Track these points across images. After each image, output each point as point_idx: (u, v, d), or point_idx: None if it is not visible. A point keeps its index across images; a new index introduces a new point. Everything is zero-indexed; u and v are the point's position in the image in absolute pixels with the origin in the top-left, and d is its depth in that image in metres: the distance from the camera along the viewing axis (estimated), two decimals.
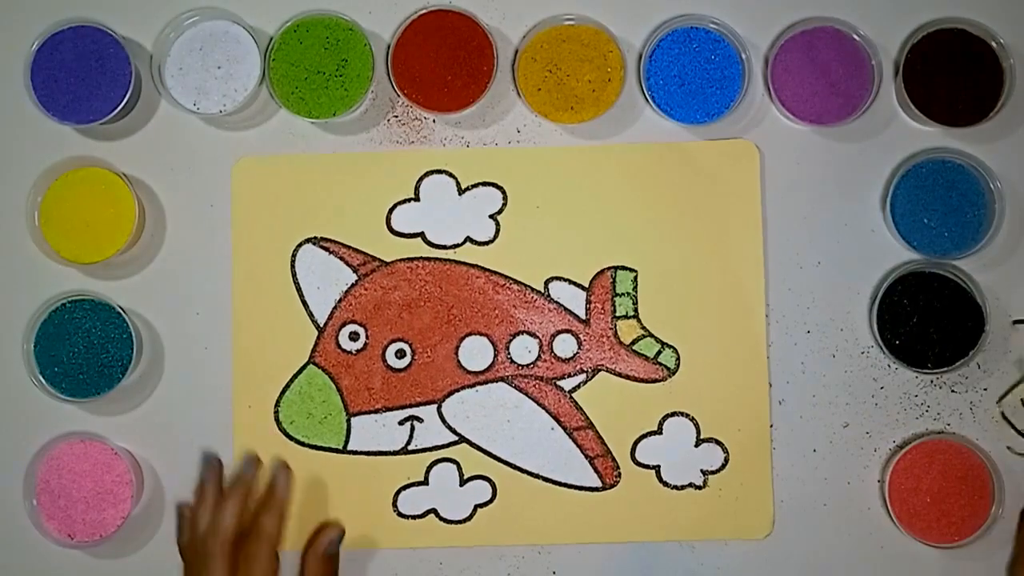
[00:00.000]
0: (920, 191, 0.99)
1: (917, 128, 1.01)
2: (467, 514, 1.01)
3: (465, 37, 1.00)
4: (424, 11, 1.00)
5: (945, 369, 0.98)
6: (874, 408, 1.00)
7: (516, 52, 1.01)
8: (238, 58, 1.00)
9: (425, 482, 1.01)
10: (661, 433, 1.00)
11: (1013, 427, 0.99)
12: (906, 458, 0.98)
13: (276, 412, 1.01)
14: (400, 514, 1.01)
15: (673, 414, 1.00)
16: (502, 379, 1.01)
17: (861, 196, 1.01)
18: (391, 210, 1.02)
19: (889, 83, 1.01)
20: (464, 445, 1.01)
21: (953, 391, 1.00)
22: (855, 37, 0.99)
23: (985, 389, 1.00)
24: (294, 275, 1.01)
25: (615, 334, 1.00)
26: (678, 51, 1.00)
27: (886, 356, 0.99)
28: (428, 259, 1.01)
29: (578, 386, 1.00)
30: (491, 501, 1.00)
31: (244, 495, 0.91)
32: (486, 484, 1.00)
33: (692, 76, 1.00)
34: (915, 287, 0.98)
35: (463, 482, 1.01)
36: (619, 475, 1.00)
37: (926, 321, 0.98)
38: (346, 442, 1.01)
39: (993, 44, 0.99)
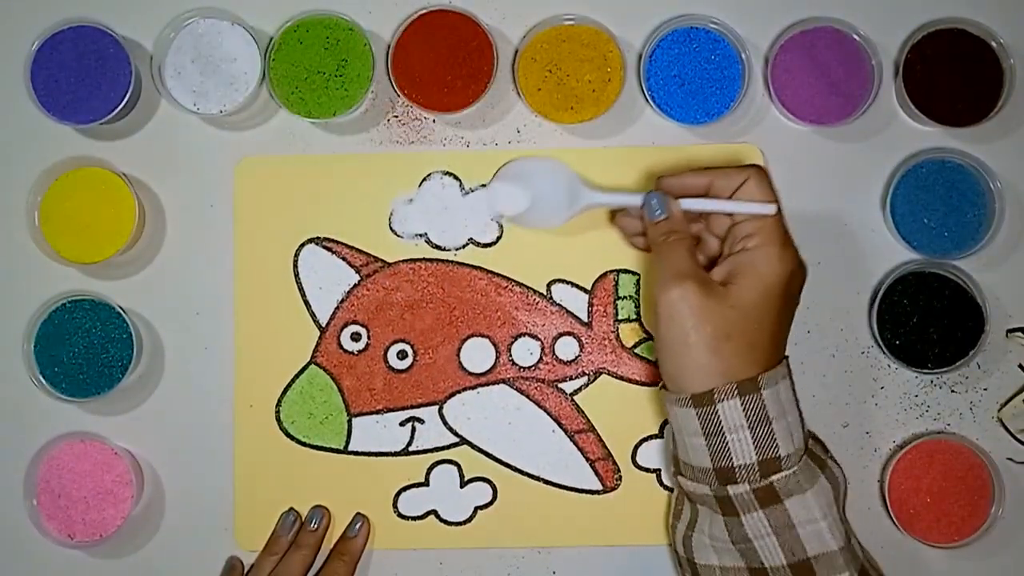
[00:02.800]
0: (920, 191, 0.99)
1: (917, 128, 1.01)
2: (467, 515, 1.01)
3: (465, 37, 1.00)
4: (424, 11, 1.00)
5: (945, 369, 0.98)
6: (874, 408, 1.00)
7: (516, 52, 1.01)
8: (238, 58, 1.00)
9: (426, 483, 1.01)
10: (662, 436, 1.00)
11: (1013, 436, 0.99)
12: (906, 458, 0.98)
13: (277, 412, 1.01)
14: (400, 515, 1.01)
15: None
16: (503, 381, 1.01)
17: (861, 196, 1.01)
18: (392, 211, 1.02)
19: (889, 83, 1.01)
20: (465, 447, 1.01)
21: (953, 391, 1.00)
22: (855, 37, 0.99)
23: (985, 389, 1.00)
24: (296, 275, 1.01)
25: (617, 337, 1.00)
26: (678, 51, 1.00)
27: (886, 356, 0.99)
28: (430, 260, 1.01)
29: (579, 389, 1.01)
30: (491, 503, 1.01)
31: (314, 547, 0.99)
32: (487, 486, 1.01)
33: (692, 76, 1.00)
34: (915, 287, 0.98)
35: (464, 483, 1.01)
36: (620, 478, 1.00)
37: (926, 321, 0.98)
38: (347, 443, 1.01)
39: (993, 44, 0.99)
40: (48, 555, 1.01)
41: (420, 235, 1.01)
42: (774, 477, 0.84)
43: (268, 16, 1.01)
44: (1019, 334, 1.00)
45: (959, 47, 0.99)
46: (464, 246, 1.01)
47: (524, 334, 1.01)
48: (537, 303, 1.01)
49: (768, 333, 0.86)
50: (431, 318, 1.01)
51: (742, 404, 0.83)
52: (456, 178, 1.02)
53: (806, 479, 0.84)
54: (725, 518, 0.86)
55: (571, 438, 1.00)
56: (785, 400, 0.85)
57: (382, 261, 1.01)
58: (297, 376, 1.01)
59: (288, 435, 1.01)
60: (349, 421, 1.01)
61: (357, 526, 1.00)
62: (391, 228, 1.02)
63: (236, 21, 1.00)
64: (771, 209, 0.88)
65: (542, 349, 1.01)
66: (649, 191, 0.90)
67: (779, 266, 0.86)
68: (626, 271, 1.01)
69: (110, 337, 1.00)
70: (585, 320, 1.01)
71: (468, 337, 1.01)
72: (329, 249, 1.02)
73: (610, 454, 1.00)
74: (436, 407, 1.01)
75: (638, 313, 1.00)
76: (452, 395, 1.01)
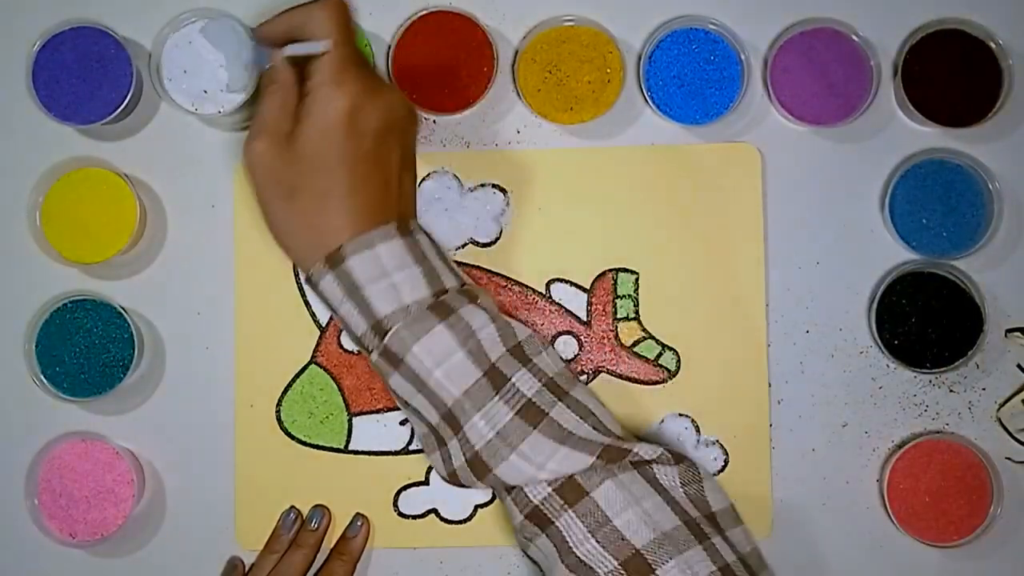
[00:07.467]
0: (919, 191, 0.99)
1: (916, 128, 1.01)
2: (468, 514, 1.01)
3: (465, 38, 1.00)
4: (424, 12, 1.00)
5: (944, 369, 0.98)
6: (873, 408, 1.01)
7: (516, 53, 1.01)
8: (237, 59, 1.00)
9: (426, 482, 1.01)
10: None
11: (1012, 436, 1.00)
12: (905, 458, 0.98)
13: (278, 412, 1.01)
14: (401, 514, 1.01)
15: (673, 416, 1.00)
16: None
17: (860, 196, 1.01)
18: None
19: (888, 84, 1.01)
20: None
21: (952, 391, 1.00)
22: (854, 38, 0.99)
23: (984, 389, 1.00)
24: (296, 275, 1.01)
25: (616, 336, 1.01)
26: (677, 52, 1.00)
27: (885, 356, 0.99)
28: None
29: None
30: (492, 501, 1.01)
31: (314, 547, 0.99)
32: None
33: (691, 77, 1.00)
34: (914, 287, 0.98)
35: None
36: None
37: (925, 321, 0.98)
38: (347, 442, 1.01)
39: (992, 44, 0.99)
40: (49, 554, 1.01)
41: None
42: (386, 339, 0.82)
43: (269, 17, 1.01)
44: (1018, 334, 1.00)
45: (958, 47, 0.99)
46: (463, 246, 1.01)
47: None
48: (536, 302, 1.01)
49: (341, 181, 0.83)
50: None
51: (335, 278, 0.82)
52: (456, 178, 1.02)
53: (413, 333, 0.82)
54: (387, 385, 0.86)
55: None
56: (389, 261, 0.83)
57: None
58: (298, 375, 1.01)
59: (289, 434, 1.01)
60: (349, 420, 1.01)
61: (357, 525, 1.00)
62: None
63: (235, 22, 1.00)
64: (318, 47, 0.83)
65: None
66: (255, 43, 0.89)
67: (331, 104, 0.82)
68: (625, 270, 1.01)
69: (111, 337, 1.00)
70: (584, 319, 1.01)
71: None
72: None
73: None
74: None
75: (637, 312, 1.00)
76: None
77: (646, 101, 1.00)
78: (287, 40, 0.86)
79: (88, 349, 1.00)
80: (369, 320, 0.83)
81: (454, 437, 0.84)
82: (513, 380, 0.84)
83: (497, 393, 0.83)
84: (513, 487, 0.84)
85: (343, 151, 0.83)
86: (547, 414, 0.84)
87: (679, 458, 0.86)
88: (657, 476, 0.83)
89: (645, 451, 0.85)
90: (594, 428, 0.85)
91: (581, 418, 0.85)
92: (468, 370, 0.83)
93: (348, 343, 1.01)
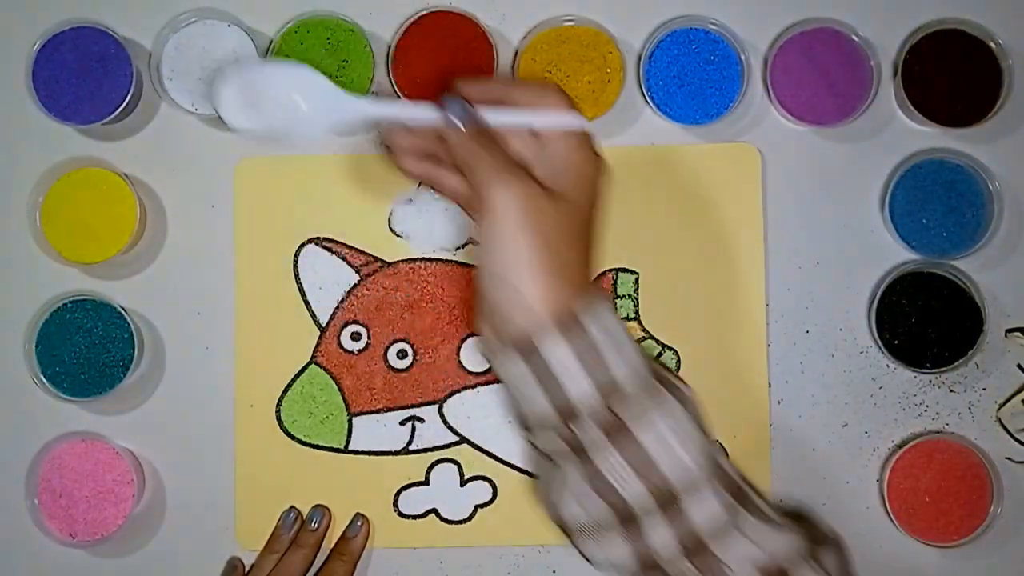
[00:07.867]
0: (919, 191, 0.99)
1: (916, 128, 1.01)
2: (468, 514, 1.01)
3: (465, 38, 1.00)
4: (424, 12, 1.00)
5: (944, 369, 0.98)
6: (873, 408, 1.01)
7: (516, 53, 1.01)
8: (236, 59, 1.00)
9: (426, 482, 1.01)
10: None
11: (1012, 436, 1.00)
12: (905, 458, 0.98)
13: (278, 412, 1.01)
14: (401, 514, 1.01)
15: None
16: None
17: (860, 196, 1.01)
18: (392, 211, 1.02)
19: (888, 84, 1.01)
20: (465, 445, 1.01)
21: (952, 391, 1.00)
22: (854, 38, 0.99)
23: (984, 389, 1.00)
24: (296, 275, 1.02)
25: None
26: (677, 52, 1.00)
27: (885, 356, 0.99)
28: (430, 260, 1.01)
29: None
30: (491, 501, 1.01)
31: (314, 547, 1.00)
32: (487, 484, 1.01)
33: (691, 77, 1.00)
34: (914, 287, 0.98)
35: (464, 482, 1.01)
36: None
37: (925, 321, 0.98)
38: (347, 442, 1.01)
39: (992, 44, 0.99)
40: (49, 554, 1.01)
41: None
42: (614, 403, 0.79)
43: (269, 17, 1.01)
44: (1018, 334, 1.00)
45: (958, 47, 0.99)
46: (464, 246, 1.02)
47: None
48: None
49: (595, 238, 0.83)
50: (431, 317, 1.01)
51: (566, 339, 0.78)
52: None
53: (650, 397, 0.80)
54: (579, 458, 0.80)
55: None
56: (612, 326, 0.80)
57: (382, 261, 1.01)
58: (297, 376, 1.01)
59: (289, 434, 1.01)
60: (349, 420, 1.01)
61: (357, 525, 1.00)
62: (391, 228, 1.02)
63: (234, 23, 1.00)
64: (583, 123, 0.84)
65: None
66: (449, 97, 0.84)
67: (596, 168, 0.84)
68: (625, 270, 1.01)
69: (111, 337, 1.00)
70: None
71: (468, 336, 1.01)
72: (329, 249, 1.02)
73: None
74: (436, 406, 1.01)
75: (637, 312, 1.00)
76: (452, 394, 1.01)
77: (646, 101, 1.00)
78: (493, 101, 0.84)
79: (88, 349, 1.00)
80: (600, 381, 0.79)
81: (658, 512, 0.80)
82: (721, 463, 0.83)
83: (715, 471, 0.82)
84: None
85: (598, 211, 0.84)
86: (749, 497, 0.83)
87: (839, 542, 0.88)
88: (823, 562, 0.84)
89: (829, 530, 0.88)
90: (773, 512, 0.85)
91: (767, 503, 0.85)
92: (700, 443, 0.81)
93: (348, 343, 1.01)
